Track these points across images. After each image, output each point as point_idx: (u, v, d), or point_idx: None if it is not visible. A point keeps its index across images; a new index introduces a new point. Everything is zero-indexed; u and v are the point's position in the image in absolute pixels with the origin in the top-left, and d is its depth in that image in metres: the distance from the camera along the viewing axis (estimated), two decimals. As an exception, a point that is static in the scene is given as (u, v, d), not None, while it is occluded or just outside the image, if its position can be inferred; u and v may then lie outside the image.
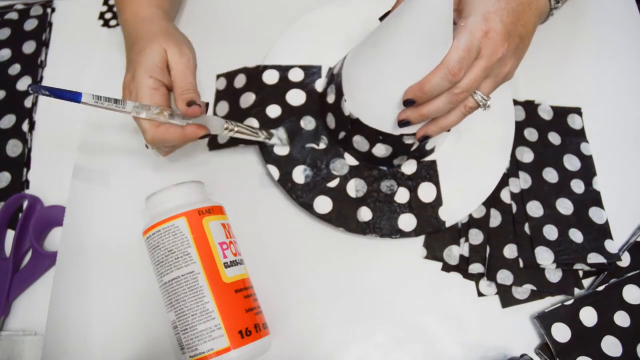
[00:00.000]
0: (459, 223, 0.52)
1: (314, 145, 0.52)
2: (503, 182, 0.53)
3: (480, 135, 0.53)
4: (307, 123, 0.53)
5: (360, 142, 0.50)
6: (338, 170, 0.51)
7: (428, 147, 0.51)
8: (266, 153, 0.52)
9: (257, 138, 0.50)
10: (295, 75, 0.55)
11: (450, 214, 0.50)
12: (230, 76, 0.57)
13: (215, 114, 0.55)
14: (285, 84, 0.55)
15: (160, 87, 0.46)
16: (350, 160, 0.52)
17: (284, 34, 0.57)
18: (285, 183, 0.51)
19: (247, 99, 0.55)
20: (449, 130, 0.49)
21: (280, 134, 0.52)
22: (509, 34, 0.42)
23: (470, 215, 0.52)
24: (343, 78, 0.49)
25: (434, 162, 0.52)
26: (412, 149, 0.50)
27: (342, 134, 0.51)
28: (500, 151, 0.53)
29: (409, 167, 0.52)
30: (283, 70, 0.56)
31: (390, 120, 0.47)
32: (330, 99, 0.51)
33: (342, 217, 0.50)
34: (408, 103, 0.43)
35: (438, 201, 0.51)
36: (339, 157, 0.52)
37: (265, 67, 0.56)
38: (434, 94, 0.42)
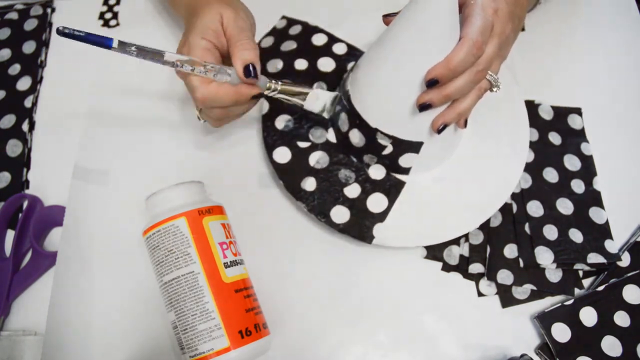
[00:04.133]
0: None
1: (310, 109, 0.51)
2: (503, 182, 0.53)
3: (471, 184, 0.51)
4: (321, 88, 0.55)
5: (343, 121, 0.50)
6: (315, 137, 0.52)
7: (403, 163, 0.50)
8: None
9: (299, 102, 0.49)
10: (340, 49, 0.58)
11: (384, 236, 0.49)
12: (290, 22, 0.60)
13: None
14: (326, 50, 0.58)
15: (213, 49, 0.44)
16: (331, 136, 0.53)
17: (358, 15, 0.60)
18: (268, 132, 0.53)
19: (289, 46, 0.58)
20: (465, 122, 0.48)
21: (323, 96, 0.49)
22: (511, 14, 0.43)
23: (470, 216, 0.51)
24: (356, 68, 0.49)
25: (402, 183, 0.51)
26: (384, 152, 0.49)
27: (329, 108, 0.51)
28: (480, 211, 0.50)
29: (376, 172, 0.51)
30: (333, 40, 0.58)
31: (369, 108, 0.47)
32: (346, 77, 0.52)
33: (288, 176, 0.51)
34: (431, 83, 0.42)
35: (381, 217, 0.49)
36: (322, 127, 0.53)
37: (321, 30, 0.59)
38: (460, 71, 0.41)
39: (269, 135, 0.53)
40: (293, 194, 0.50)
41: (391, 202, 0.50)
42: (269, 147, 0.52)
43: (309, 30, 0.59)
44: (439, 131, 0.45)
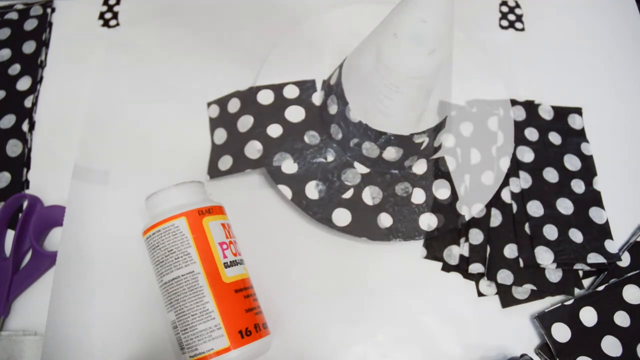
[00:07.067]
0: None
1: (322, 159, 0.52)
2: (504, 182, 0.53)
3: (480, 125, 0.54)
4: (311, 137, 0.52)
5: (370, 149, 0.49)
6: (350, 180, 0.51)
7: (436, 144, 0.51)
8: (275, 173, 0.51)
9: None
10: (291, 92, 0.54)
11: (468, 207, 0.51)
12: (222, 102, 0.56)
13: (213, 142, 0.54)
14: (281, 102, 0.54)
15: None
16: (360, 168, 0.51)
17: (271, 53, 0.57)
18: (300, 201, 0.50)
19: (246, 122, 0.53)
20: None
21: None
22: None
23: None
24: (344, 87, 0.49)
25: (442, 159, 0.52)
26: (422, 147, 0.50)
27: (352, 142, 0.50)
28: (502, 135, 0.54)
29: (420, 166, 0.52)
30: (277, 88, 0.55)
31: (399, 121, 0.46)
32: (333, 109, 0.51)
33: (363, 226, 0.49)
34: None
35: (454, 196, 0.51)
36: (350, 167, 0.51)
37: (259, 88, 0.55)
38: None
39: (314, 210, 0.50)
40: (385, 239, 0.49)
41: (449, 179, 0.52)
42: (326, 220, 0.49)
43: (248, 95, 0.55)
44: None
